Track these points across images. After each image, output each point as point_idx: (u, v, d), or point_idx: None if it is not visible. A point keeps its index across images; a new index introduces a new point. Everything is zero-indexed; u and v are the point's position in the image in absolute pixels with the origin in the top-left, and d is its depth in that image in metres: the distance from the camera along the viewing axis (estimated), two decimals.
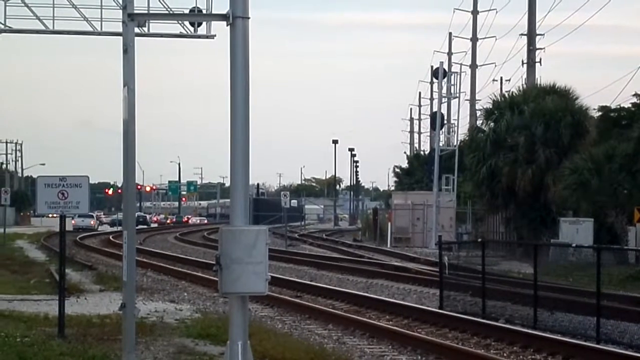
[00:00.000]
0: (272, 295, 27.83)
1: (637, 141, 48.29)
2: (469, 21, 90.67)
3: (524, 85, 65.57)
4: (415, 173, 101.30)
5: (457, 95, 75.25)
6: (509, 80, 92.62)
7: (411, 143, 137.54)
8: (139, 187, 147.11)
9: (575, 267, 36.67)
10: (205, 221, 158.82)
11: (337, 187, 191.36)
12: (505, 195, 58.68)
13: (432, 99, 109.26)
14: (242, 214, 11.05)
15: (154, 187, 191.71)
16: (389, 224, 74.78)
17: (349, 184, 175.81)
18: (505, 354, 19.63)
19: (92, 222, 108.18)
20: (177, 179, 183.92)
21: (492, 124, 60.22)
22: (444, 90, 73.91)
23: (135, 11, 14.17)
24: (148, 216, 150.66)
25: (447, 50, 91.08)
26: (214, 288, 30.94)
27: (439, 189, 72.11)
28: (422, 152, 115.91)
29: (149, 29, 15.13)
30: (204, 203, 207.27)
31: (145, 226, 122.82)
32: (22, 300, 28.25)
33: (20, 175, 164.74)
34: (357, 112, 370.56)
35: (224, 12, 11.39)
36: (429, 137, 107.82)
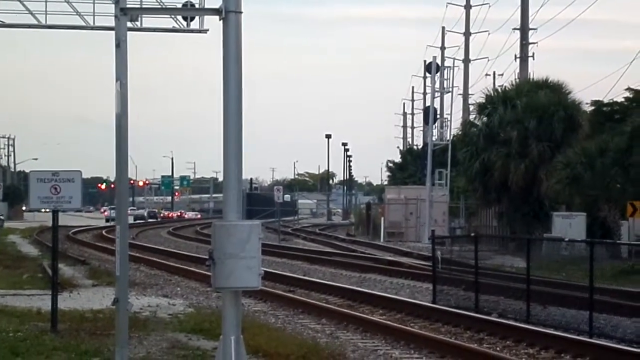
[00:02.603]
0: (265, 290, 27.85)
1: (630, 135, 48.33)
2: (461, 15, 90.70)
3: (517, 80, 65.64)
4: (408, 167, 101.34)
5: (450, 89, 75.43)
6: (502, 74, 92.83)
7: (404, 137, 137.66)
8: (131, 181, 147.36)
9: (568, 261, 36.74)
10: (199, 216, 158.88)
11: (330, 181, 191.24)
12: (498, 190, 58.75)
13: (425, 93, 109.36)
14: (235, 209, 11.04)
15: (147, 182, 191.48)
16: (382, 218, 74.80)
17: (342, 179, 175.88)
18: (498, 348, 19.64)
19: None
20: (170, 174, 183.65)
21: (485, 119, 60.28)
22: (437, 85, 73.99)
23: (128, 5, 14.15)
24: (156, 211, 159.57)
25: (440, 45, 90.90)
26: (207, 283, 30.92)
27: (432, 183, 72.16)
28: (415, 147, 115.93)
29: (141, 23, 15.12)
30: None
31: (154, 219, 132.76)
32: (14, 295, 28.21)
33: (13, 170, 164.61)
34: (350, 107, 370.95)
35: (217, 6, 11.38)
36: (422, 132, 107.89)
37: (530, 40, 68.65)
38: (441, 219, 71.51)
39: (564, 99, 58.11)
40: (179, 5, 14.65)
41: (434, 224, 66.77)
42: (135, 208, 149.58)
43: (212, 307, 26.15)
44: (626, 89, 54.38)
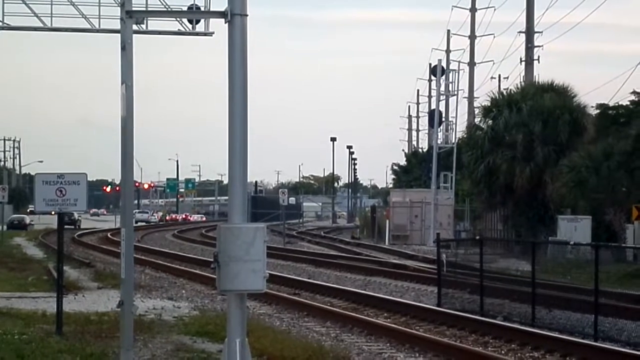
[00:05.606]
0: (270, 293, 27.83)
1: (635, 139, 48.33)
2: (467, 18, 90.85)
3: (522, 83, 65.59)
4: (414, 171, 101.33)
5: (455, 92, 75.34)
6: (507, 77, 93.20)
7: (409, 141, 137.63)
8: (137, 184, 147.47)
9: (573, 264, 36.68)
10: (204, 218, 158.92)
11: (335, 184, 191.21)
12: (503, 193, 58.72)
13: (430, 96, 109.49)
14: (241, 212, 11.04)
15: (152, 185, 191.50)
16: (387, 221, 74.78)
17: (347, 182, 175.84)
18: (503, 352, 19.62)
19: (147, 216, 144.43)
20: (175, 177, 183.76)
21: (490, 122, 60.26)
22: (442, 88, 73.96)
23: (133, 8, 14.19)
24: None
25: (445, 48, 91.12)
26: (212, 285, 30.95)
27: (437, 186, 72.11)
28: (420, 150, 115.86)
29: (147, 26, 15.13)
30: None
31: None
32: (20, 298, 28.24)
33: (18, 172, 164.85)
34: (355, 110, 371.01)
35: (222, 9, 11.38)
36: (427, 135, 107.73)
37: (536, 44, 68.66)
38: (446, 222, 71.48)
39: (569, 102, 58.11)
40: (185, 8, 14.67)
41: (439, 227, 66.72)
42: (146, 211, 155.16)
43: (217, 309, 26.15)
44: (631, 93, 54.43)
